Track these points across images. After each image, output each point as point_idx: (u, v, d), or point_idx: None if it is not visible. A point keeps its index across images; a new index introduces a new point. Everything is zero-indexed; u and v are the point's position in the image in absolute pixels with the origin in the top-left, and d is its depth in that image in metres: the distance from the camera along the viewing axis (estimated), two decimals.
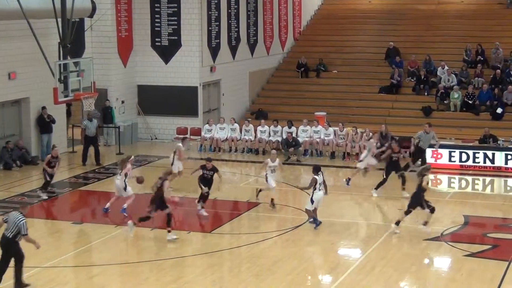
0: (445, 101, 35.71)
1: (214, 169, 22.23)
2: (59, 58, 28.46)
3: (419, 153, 27.62)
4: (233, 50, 37.00)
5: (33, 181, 26.77)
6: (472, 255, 18.90)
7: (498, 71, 36.49)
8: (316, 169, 20.82)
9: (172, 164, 24.70)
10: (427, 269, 18.46)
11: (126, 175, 22.46)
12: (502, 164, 28.24)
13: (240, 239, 20.37)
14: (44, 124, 29.81)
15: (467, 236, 20.86)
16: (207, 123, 32.56)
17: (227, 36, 36.35)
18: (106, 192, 25.06)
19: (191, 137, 32.65)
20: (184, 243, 20.21)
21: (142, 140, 34.11)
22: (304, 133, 31.40)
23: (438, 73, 37.31)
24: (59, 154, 24.66)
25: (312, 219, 20.97)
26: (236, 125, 32.26)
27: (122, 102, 33.69)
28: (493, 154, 28.39)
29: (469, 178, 27.97)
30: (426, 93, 36.95)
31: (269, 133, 31.72)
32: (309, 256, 18.88)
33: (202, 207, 22.30)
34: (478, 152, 28.57)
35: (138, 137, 34.15)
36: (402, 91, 37.76)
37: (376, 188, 24.56)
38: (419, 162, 26.64)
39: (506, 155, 28.21)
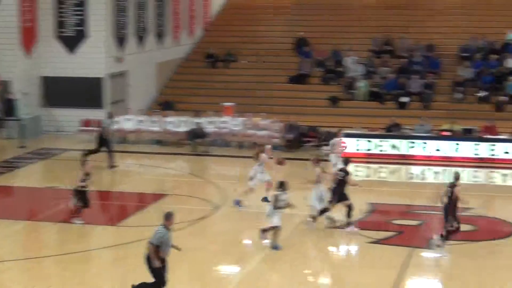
0: (352, 91, 36.09)
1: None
2: None
3: None
4: (141, 40, 36.58)
5: None
6: (377, 242, 19.08)
7: (404, 60, 37.03)
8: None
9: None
10: (332, 256, 18.54)
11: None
12: (407, 152, 28.68)
13: (147, 232, 20.02)
14: None
15: (372, 223, 21.04)
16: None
17: (135, 27, 35.90)
18: (5, 187, 24.47)
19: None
20: (90, 236, 19.85)
21: (46, 132, 33.31)
22: (212, 124, 31.25)
23: (346, 63, 37.65)
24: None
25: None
26: (144, 117, 31.89)
27: (26, 94, 32.84)
28: (398, 142, 28.79)
29: (375, 166, 28.30)
30: (334, 83, 37.26)
31: (176, 124, 31.45)
32: (216, 247, 18.73)
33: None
34: (384, 141, 28.93)
35: (42, 129, 33.33)
36: (311, 81, 37.98)
37: None
38: None
39: (411, 143, 28.63)
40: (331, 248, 19.03)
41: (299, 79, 37.92)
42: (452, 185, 18.09)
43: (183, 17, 40.92)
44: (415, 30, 39.94)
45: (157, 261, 14.38)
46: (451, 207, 17.93)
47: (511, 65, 35.88)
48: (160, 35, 38.49)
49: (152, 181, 25.12)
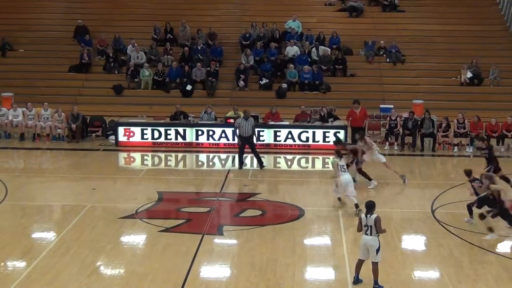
0: (135, 79, 35.77)
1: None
2: None
3: None
4: None
5: None
6: (166, 230, 18.91)
7: (186, 48, 37.15)
8: (369, 207, 15.24)
9: None
10: (122, 247, 18.14)
11: None
12: (193, 139, 28.76)
13: None
14: None
15: (161, 212, 20.91)
16: None
17: None
18: None
19: None
20: None
21: None
22: None
23: (128, 51, 37.26)
24: None
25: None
26: None
27: None
28: (184, 131, 28.85)
29: (162, 155, 28.16)
30: (116, 72, 36.78)
31: None
32: None
33: None
34: (170, 129, 28.87)
35: None
36: (92, 70, 37.27)
37: None
38: None
39: (197, 131, 28.73)
40: (122, 238, 18.60)
41: (81, 67, 37.03)
42: None
43: None
44: (196, 19, 40.07)
45: None
46: None
47: (290, 53, 36.91)
48: None
49: None
